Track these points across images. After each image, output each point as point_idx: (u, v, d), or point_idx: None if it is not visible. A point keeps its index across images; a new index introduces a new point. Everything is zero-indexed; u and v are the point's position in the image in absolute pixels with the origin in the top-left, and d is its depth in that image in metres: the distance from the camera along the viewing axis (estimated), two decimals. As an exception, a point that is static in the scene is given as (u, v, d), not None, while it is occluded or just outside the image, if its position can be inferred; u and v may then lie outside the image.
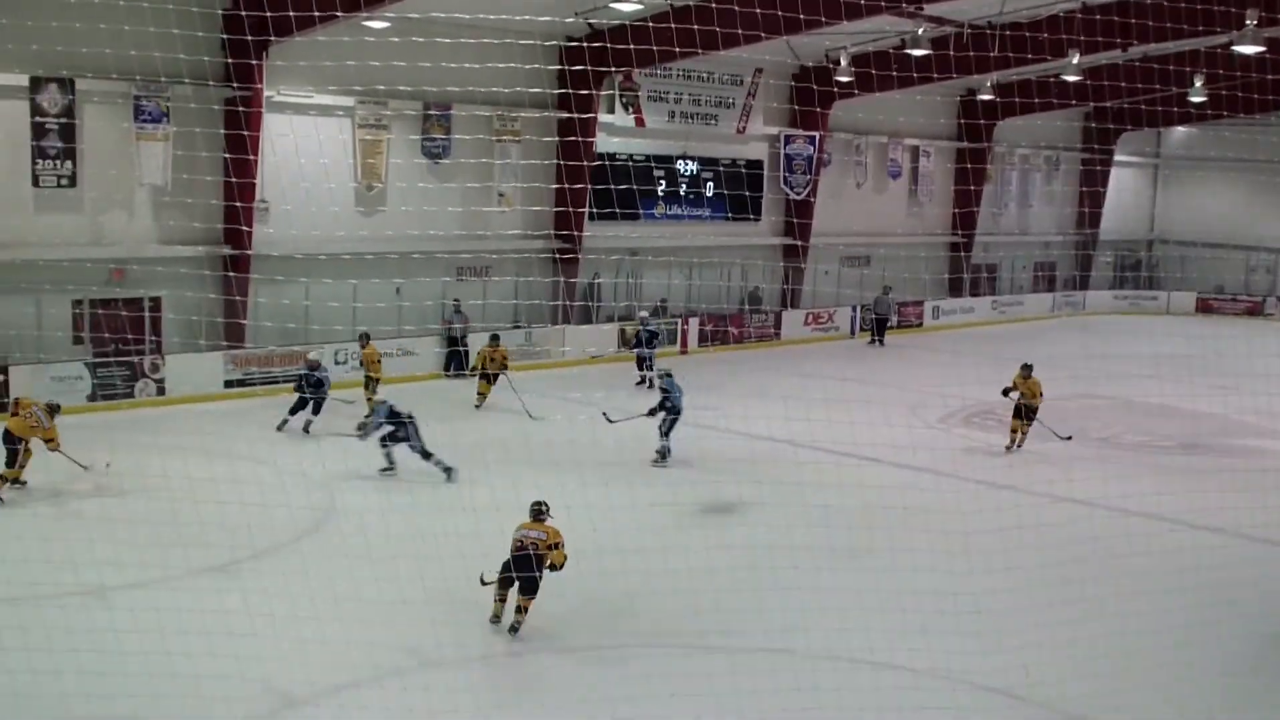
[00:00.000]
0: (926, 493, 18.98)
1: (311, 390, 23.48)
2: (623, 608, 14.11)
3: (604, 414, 21.58)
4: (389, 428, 19.97)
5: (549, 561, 13.73)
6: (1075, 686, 12.28)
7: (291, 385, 24.28)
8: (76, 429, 22.09)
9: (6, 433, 18.56)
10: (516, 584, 13.72)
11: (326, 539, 16.90)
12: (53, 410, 19.26)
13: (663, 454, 21.41)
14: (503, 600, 13.93)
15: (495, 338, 27.05)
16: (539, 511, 14.18)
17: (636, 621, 13.91)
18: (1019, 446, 23.59)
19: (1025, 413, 23.52)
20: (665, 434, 21.47)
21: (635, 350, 30.59)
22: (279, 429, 23.25)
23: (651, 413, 21.55)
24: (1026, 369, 23.71)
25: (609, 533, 15.32)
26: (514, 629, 13.72)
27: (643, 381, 29.39)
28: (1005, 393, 23.64)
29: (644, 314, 31.96)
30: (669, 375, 22.02)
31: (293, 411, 23.46)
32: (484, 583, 13.95)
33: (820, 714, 11.26)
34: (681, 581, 13.98)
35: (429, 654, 12.86)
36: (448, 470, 19.83)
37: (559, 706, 11.85)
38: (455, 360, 29.92)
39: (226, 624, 12.41)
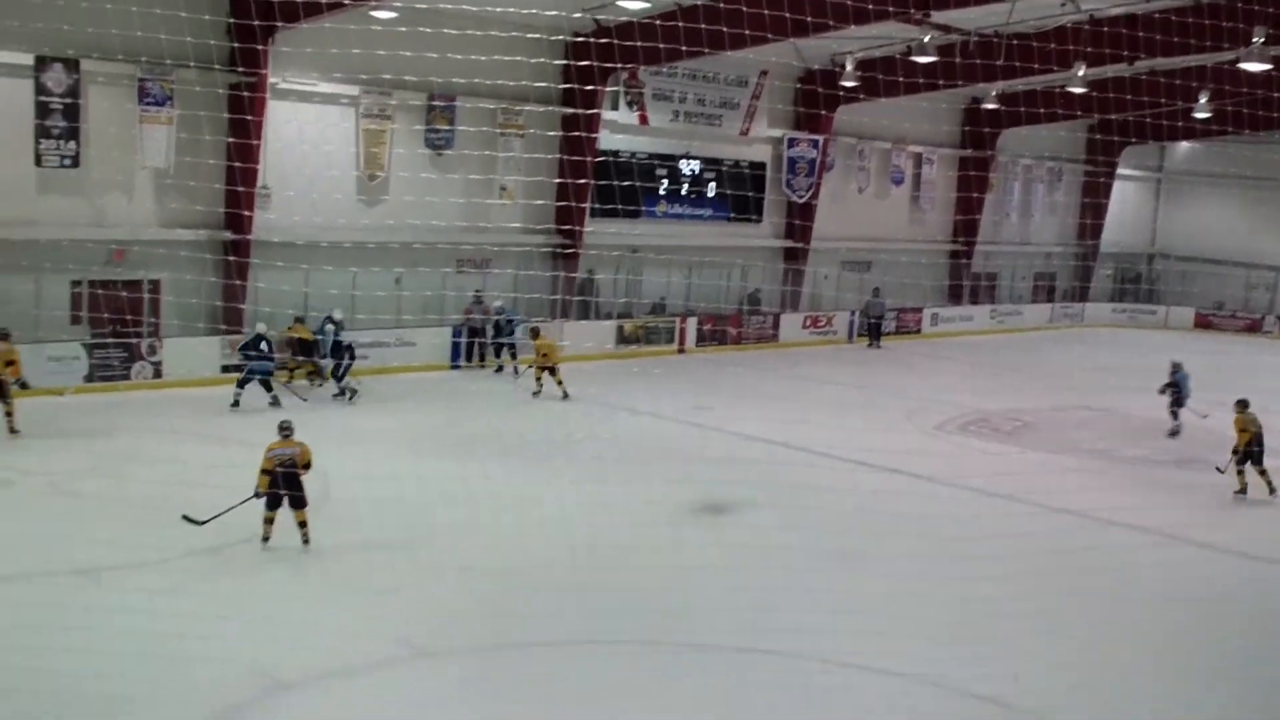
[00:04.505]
0: (920, 498, 18.98)
1: (508, 335, 28.98)
2: (615, 603, 14.05)
3: None
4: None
5: (305, 472, 15.34)
6: (1064, 696, 12.25)
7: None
8: (73, 409, 22.19)
9: None
10: (286, 501, 15.23)
11: (320, 526, 16.87)
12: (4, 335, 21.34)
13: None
14: (271, 522, 15.27)
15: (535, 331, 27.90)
16: (287, 429, 15.60)
17: (629, 617, 13.84)
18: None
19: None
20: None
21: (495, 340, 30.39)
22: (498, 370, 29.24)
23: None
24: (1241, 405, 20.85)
25: (605, 528, 15.34)
26: (307, 541, 15.31)
27: (500, 370, 29.55)
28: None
29: (499, 304, 30.89)
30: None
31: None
32: (195, 522, 15.07)
33: (813, 716, 11.24)
34: (674, 579, 13.98)
35: (420, 644, 12.80)
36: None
37: (549, 699, 11.79)
38: (473, 351, 30.24)
39: (218, 607, 12.41)
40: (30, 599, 12.90)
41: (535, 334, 27.66)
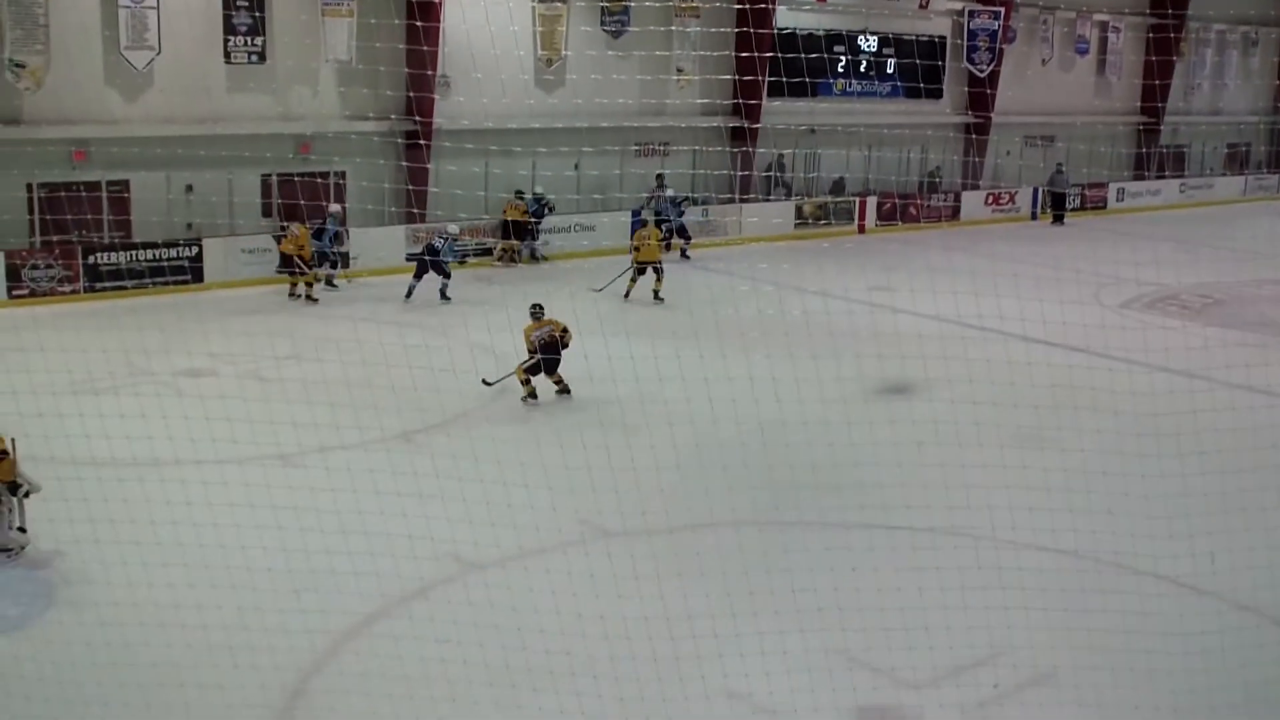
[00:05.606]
0: (1108, 376, 18.64)
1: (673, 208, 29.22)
2: (803, 482, 14.12)
3: None
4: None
5: (568, 342, 17.70)
6: (1252, 581, 11.92)
7: None
8: (266, 297, 22.90)
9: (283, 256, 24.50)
10: (544, 369, 17.60)
11: (509, 409, 17.27)
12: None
13: None
14: (528, 382, 17.62)
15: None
16: (537, 310, 17.90)
17: (816, 496, 13.95)
18: None
19: None
20: None
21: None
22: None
23: None
24: None
25: (792, 407, 15.39)
26: (567, 390, 17.90)
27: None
28: None
29: (667, 192, 30.47)
30: None
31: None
32: (486, 383, 17.57)
33: (1000, 595, 11.24)
34: (858, 458, 14.01)
35: (603, 525, 13.08)
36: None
37: (738, 575, 11.96)
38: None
39: (417, 486, 12.77)
40: (236, 480, 13.45)
41: (644, 224, 26.60)
